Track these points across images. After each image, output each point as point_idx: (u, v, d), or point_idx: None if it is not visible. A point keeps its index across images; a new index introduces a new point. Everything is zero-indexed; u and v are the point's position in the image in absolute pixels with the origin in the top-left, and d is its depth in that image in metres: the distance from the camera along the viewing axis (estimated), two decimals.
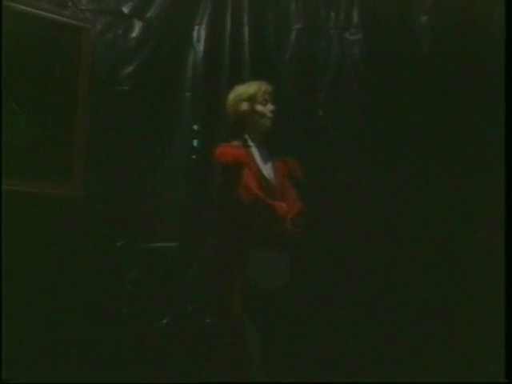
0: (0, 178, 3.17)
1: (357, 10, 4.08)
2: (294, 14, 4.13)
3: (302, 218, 3.09)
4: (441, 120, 3.81)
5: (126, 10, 3.94)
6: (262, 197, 2.97)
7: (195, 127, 3.86)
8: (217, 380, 3.13)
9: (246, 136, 3.13)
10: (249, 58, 4.06)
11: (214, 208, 3.84)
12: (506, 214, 2.95)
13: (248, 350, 2.93)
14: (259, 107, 3.16)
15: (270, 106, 3.15)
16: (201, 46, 4.05)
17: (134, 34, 3.95)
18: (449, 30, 3.94)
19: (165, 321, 3.88)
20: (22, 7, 3.39)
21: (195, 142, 3.82)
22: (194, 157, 3.92)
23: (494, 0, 3.88)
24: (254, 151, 3.11)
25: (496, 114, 3.36)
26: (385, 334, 3.64)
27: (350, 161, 3.90)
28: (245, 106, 3.16)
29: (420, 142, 3.81)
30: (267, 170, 3.13)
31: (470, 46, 3.87)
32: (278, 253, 3.05)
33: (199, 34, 4.06)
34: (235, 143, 3.09)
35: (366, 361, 3.60)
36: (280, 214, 2.99)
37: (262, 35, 4.10)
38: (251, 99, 3.16)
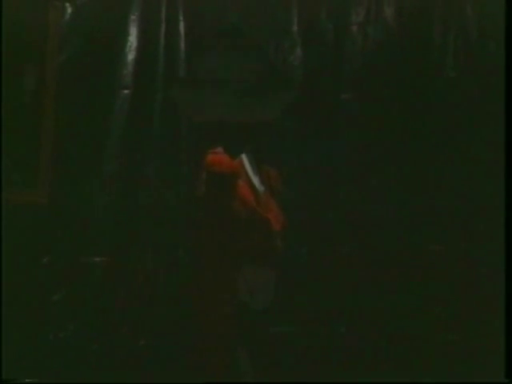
0: None
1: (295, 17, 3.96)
2: (229, 11, 3.90)
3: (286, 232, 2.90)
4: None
5: None
6: (259, 210, 2.72)
7: None
8: None
9: None
10: (184, 54, 3.76)
11: (150, 217, 3.57)
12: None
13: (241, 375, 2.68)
14: None
15: None
16: (134, 39, 3.68)
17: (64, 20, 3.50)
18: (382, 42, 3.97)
19: (96, 345, 3.46)
20: None
21: None
22: None
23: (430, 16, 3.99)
24: (244, 160, 2.85)
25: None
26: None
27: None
28: None
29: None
30: (257, 180, 2.88)
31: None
32: (268, 271, 2.83)
33: (133, 26, 3.69)
34: (221, 150, 2.78)
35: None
36: (273, 227, 2.77)
37: (197, 31, 3.82)
38: None
